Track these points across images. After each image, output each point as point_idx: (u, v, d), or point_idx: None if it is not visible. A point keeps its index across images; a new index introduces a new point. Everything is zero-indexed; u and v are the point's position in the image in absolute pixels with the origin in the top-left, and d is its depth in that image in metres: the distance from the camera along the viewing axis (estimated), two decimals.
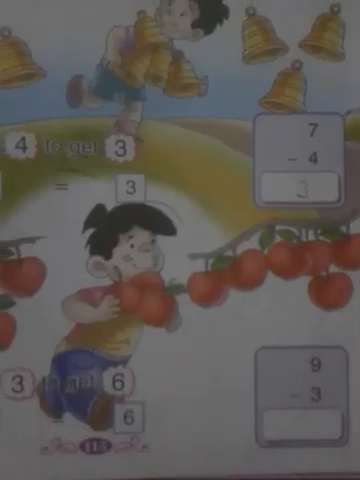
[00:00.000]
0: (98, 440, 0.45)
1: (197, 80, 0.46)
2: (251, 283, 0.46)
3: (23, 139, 0.44)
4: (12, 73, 0.45)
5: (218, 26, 0.46)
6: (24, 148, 0.44)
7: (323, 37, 0.47)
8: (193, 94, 0.46)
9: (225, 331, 0.46)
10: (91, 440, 0.45)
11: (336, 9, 0.47)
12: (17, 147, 0.44)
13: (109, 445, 0.45)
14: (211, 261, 0.46)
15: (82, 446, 0.45)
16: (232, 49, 0.46)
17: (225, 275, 0.46)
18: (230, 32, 0.47)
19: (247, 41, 0.47)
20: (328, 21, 0.47)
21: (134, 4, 0.46)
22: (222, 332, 0.46)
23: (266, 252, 0.47)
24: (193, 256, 0.46)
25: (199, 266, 0.46)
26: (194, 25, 0.46)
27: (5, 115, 0.45)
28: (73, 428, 0.45)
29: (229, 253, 0.46)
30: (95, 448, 0.45)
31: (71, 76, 0.45)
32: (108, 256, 0.45)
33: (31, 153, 0.45)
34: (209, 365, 0.46)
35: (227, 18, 0.47)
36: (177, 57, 0.46)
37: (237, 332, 0.46)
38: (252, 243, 0.46)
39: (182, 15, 0.46)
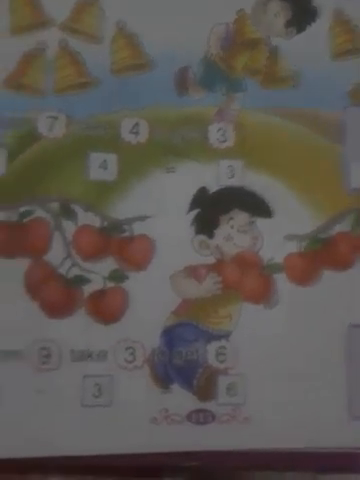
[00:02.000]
0: (204, 411, 0.54)
1: (291, 74, 0.59)
2: (343, 264, 0.56)
3: (136, 124, 0.56)
4: (125, 62, 0.56)
5: (309, 25, 0.60)
6: (137, 133, 0.56)
7: None
8: (287, 86, 0.58)
9: (319, 308, 0.55)
10: (197, 411, 0.54)
11: None
12: (131, 132, 0.56)
13: (213, 416, 0.54)
14: (306, 242, 0.57)
15: (188, 417, 0.55)
16: (321, 46, 0.58)
17: (319, 256, 0.56)
18: (319, 31, 0.59)
19: (334, 39, 0.59)
20: None
21: (234, 3, 0.58)
22: (316, 309, 0.55)
23: (358, 234, 0.58)
24: (289, 237, 0.57)
25: (295, 247, 0.56)
26: (287, 24, 0.59)
27: (120, 102, 0.55)
28: (180, 399, 0.54)
29: (322, 235, 0.57)
30: (201, 419, 0.54)
31: (179, 67, 0.57)
32: (211, 235, 0.56)
33: (143, 138, 0.56)
34: (304, 341, 0.55)
35: (317, 18, 0.60)
36: (273, 52, 0.59)
37: (330, 309, 0.56)
38: (344, 226, 0.57)
39: (276, 15, 0.59)
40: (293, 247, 0.56)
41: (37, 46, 0.53)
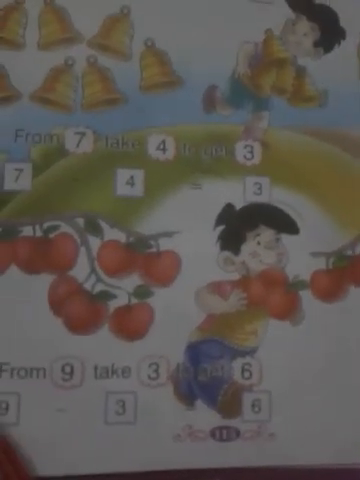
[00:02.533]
0: (227, 428, 0.53)
1: (318, 93, 0.57)
2: None
3: (163, 142, 0.54)
4: (154, 80, 0.55)
5: (336, 45, 0.57)
6: (164, 150, 0.54)
7: None
8: (314, 105, 0.56)
9: (344, 325, 0.55)
10: (221, 428, 0.53)
11: None
12: (158, 149, 0.54)
13: (238, 433, 0.53)
14: (332, 259, 0.55)
15: (212, 434, 0.52)
16: (349, 66, 0.57)
17: (345, 273, 0.55)
18: (347, 51, 0.57)
19: None
20: None
21: (262, 23, 0.56)
22: (342, 326, 0.55)
23: None
24: (315, 254, 0.55)
25: (321, 264, 0.55)
26: (315, 44, 0.57)
27: (148, 119, 0.54)
28: (204, 416, 0.52)
29: (349, 252, 0.55)
30: (225, 436, 0.52)
31: (207, 86, 0.55)
32: (237, 252, 0.54)
33: (170, 155, 0.54)
34: (330, 357, 0.54)
35: (344, 39, 0.57)
36: (300, 72, 0.57)
37: (356, 326, 0.55)
38: None
39: (305, 35, 0.57)
40: (319, 264, 0.55)
41: (65, 62, 0.51)
